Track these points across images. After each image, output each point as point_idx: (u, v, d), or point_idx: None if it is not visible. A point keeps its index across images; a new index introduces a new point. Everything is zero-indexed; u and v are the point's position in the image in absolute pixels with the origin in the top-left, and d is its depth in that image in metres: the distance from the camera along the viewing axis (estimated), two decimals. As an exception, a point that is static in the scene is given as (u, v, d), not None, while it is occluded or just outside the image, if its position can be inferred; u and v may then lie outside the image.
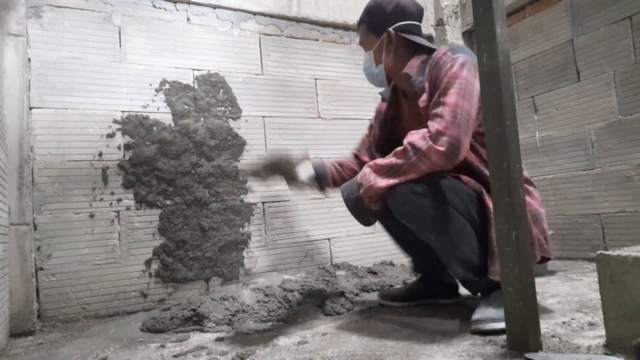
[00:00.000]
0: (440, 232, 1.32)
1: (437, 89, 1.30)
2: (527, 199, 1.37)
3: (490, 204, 1.29)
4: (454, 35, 2.89)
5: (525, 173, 1.41)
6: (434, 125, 1.24)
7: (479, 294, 1.41)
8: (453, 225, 1.31)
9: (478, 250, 1.32)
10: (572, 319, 1.29)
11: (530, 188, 1.42)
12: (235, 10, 2.33)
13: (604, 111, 2.27)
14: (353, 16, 2.63)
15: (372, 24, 1.49)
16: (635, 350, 0.93)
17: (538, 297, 1.05)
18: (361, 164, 1.70)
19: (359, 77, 2.65)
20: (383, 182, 1.30)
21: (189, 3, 2.22)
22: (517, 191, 1.02)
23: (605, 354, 0.98)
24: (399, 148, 1.30)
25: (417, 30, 1.49)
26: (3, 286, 1.56)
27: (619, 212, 2.22)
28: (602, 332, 1.05)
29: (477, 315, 1.26)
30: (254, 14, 2.38)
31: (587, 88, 2.34)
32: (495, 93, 1.05)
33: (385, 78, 1.53)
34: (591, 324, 1.22)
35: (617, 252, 1.01)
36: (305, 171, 1.64)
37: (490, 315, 1.23)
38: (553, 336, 1.14)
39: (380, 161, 1.34)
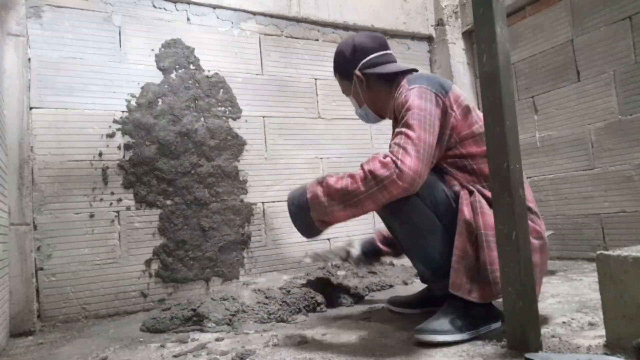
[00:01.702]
0: (404, 221, 1.28)
1: (398, 121, 1.29)
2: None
3: (465, 210, 1.24)
4: (454, 35, 2.90)
5: (533, 205, 1.32)
6: (398, 157, 1.18)
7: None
8: (419, 218, 1.27)
9: (443, 250, 1.27)
10: (572, 319, 1.29)
11: (535, 218, 1.31)
12: (235, 10, 2.33)
13: (604, 111, 2.27)
14: (353, 16, 2.63)
15: (341, 73, 1.54)
16: (635, 350, 0.93)
17: (538, 297, 1.05)
18: None
19: (359, 77, 2.66)
20: (342, 214, 1.24)
21: (189, 3, 2.22)
22: (517, 191, 1.02)
23: (605, 354, 0.98)
24: (358, 172, 1.22)
25: (384, 59, 1.48)
26: (3, 286, 1.56)
27: (619, 212, 2.22)
28: (602, 332, 1.06)
29: (423, 325, 1.21)
30: (254, 14, 2.38)
31: (587, 88, 2.34)
32: (495, 93, 1.05)
33: (375, 114, 1.55)
34: (591, 324, 1.22)
35: (617, 252, 1.01)
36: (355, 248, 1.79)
37: (434, 327, 1.18)
38: (553, 336, 1.14)
39: (332, 182, 1.25)
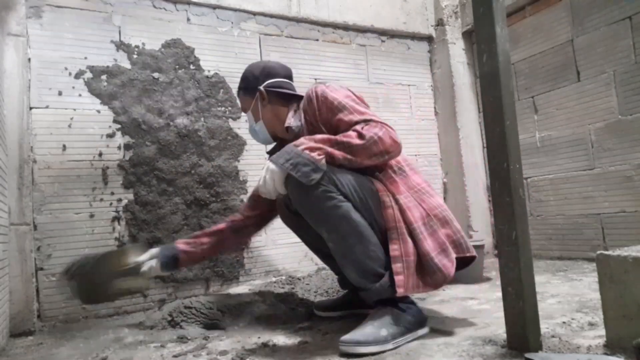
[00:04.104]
0: (331, 229, 1.27)
1: (333, 111, 1.35)
2: (433, 200, 1.36)
3: (389, 214, 1.27)
4: (454, 35, 2.89)
5: (418, 178, 1.40)
6: (376, 120, 1.28)
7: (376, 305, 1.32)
8: (347, 224, 1.25)
9: (376, 254, 1.27)
10: (572, 319, 1.29)
11: (429, 190, 1.40)
12: (235, 10, 2.33)
13: (604, 111, 2.27)
14: (353, 16, 2.63)
15: (246, 89, 1.59)
16: (635, 350, 0.94)
17: (538, 297, 1.05)
18: (245, 217, 1.68)
19: (359, 77, 2.65)
20: (333, 151, 1.25)
21: (189, 3, 2.22)
22: (517, 191, 1.03)
23: (605, 354, 0.98)
24: (348, 132, 1.27)
25: (287, 86, 1.58)
26: (3, 286, 1.56)
27: (619, 212, 2.22)
28: (602, 332, 1.06)
29: (348, 335, 1.19)
30: (254, 14, 2.38)
31: (587, 88, 2.34)
32: (495, 93, 1.05)
33: (268, 133, 1.59)
34: (591, 324, 1.23)
35: (617, 252, 1.01)
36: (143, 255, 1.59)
37: (357, 338, 1.17)
38: (553, 336, 1.14)
39: (328, 135, 1.29)
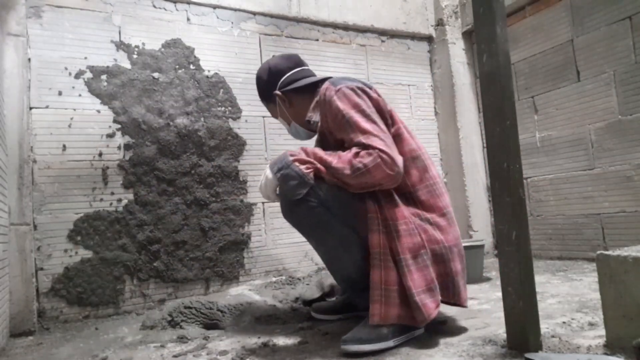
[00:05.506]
0: (317, 241, 1.29)
1: (337, 124, 1.29)
2: (437, 234, 1.27)
3: (375, 238, 1.22)
4: (454, 35, 2.89)
5: (444, 200, 1.33)
6: (376, 146, 1.20)
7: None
8: (333, 239, 1.27)
9: (361, 269, 1.27)
10: (572, 319, 1.29)
11: (441, 221, 1.30)
12: (235, 10, 2.33)
13: (604, 111, 2.27)
14: (353, 16, 2.63)
15: (264, 97, 1.57)
16: (635, 350, 0.94)
17: (538, 297, 1.05)
18: None
19: (359, 77, 2.65)
20: (325, 176, 1.26)
21: (189, 3, 2.22)
22: (517, 191, 1.03)
23: (605, 354, 0.98)
24: (344, 153, 1.24)
25: (300, 75, 1.51)
26: (3, 286, 1.56)
27: (619, 212, 2.22)
28: (602, 332, 1.06)
29: (350, 334, 1.20)
30: (254, 14, 2.38)
31: (587, 88, 2.34)
32: (495, 93, 1.05)
33: (306, 129, 1.54)
34: (591, 324, 1.23)
35: (617, 252, 1.01)
36: None
37: (360, 336, 1.17)
38: (553, 336, 1.14)
39: (318, 150, 1.29)
